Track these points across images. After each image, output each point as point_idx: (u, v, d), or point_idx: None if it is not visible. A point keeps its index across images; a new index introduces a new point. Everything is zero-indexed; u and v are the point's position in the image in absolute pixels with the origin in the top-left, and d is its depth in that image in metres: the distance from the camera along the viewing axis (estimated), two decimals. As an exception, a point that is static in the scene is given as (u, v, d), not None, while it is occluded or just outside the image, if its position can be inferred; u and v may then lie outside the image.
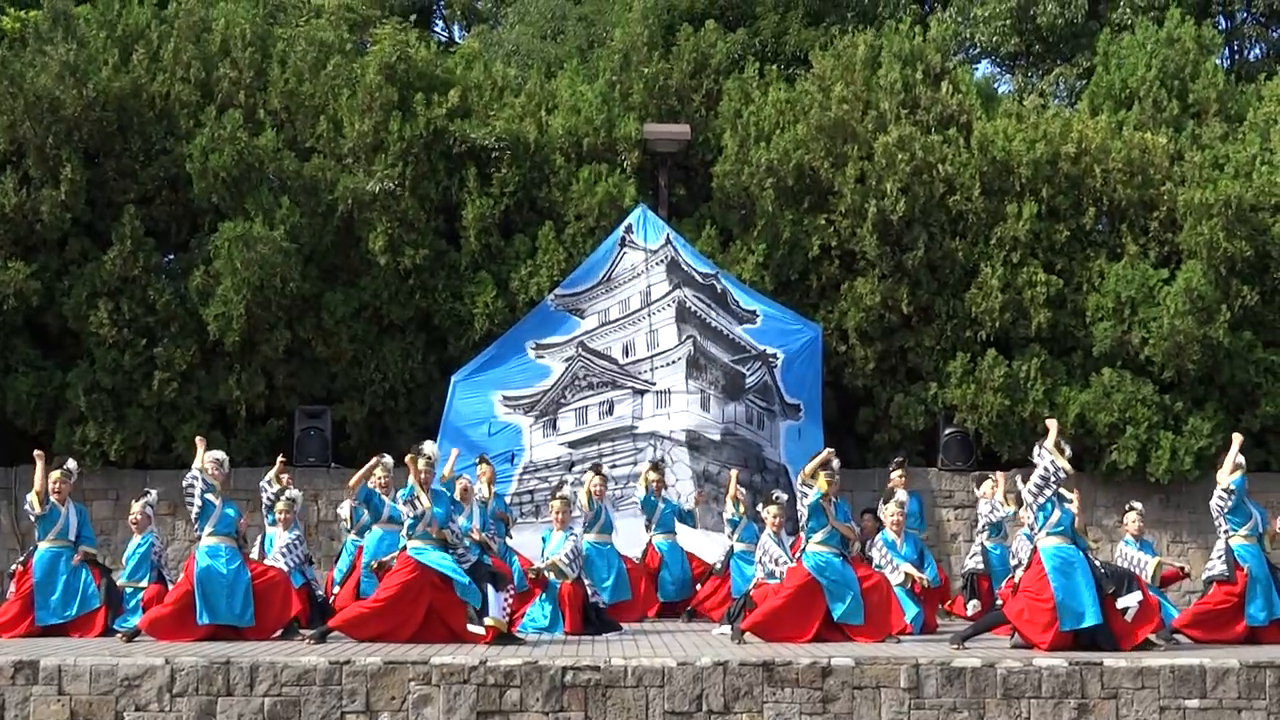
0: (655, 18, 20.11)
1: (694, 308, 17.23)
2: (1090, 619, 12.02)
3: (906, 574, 13.87)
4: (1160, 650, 12.10)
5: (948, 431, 17.83)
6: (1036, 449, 12.68)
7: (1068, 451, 12.59)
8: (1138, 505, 14.77)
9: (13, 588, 13.83)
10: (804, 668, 11.16)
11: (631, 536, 16.25)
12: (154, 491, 14.91)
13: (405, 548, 12.55)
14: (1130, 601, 12.20)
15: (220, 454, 13.53)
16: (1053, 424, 12.77)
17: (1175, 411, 17.60)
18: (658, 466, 16.20)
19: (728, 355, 17.32)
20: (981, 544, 15.29)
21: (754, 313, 17.43)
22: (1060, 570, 12.19)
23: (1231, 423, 17.74)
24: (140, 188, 17.91)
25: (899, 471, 15.85)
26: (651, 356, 17.12)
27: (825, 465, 13.11)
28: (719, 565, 15.43)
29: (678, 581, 15.85)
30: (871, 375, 18.21)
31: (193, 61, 18.35)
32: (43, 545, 13.72)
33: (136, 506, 14.42)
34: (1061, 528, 12.34)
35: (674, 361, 17.09)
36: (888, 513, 14.48)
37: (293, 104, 18.43)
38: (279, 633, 12.81)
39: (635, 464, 16.78)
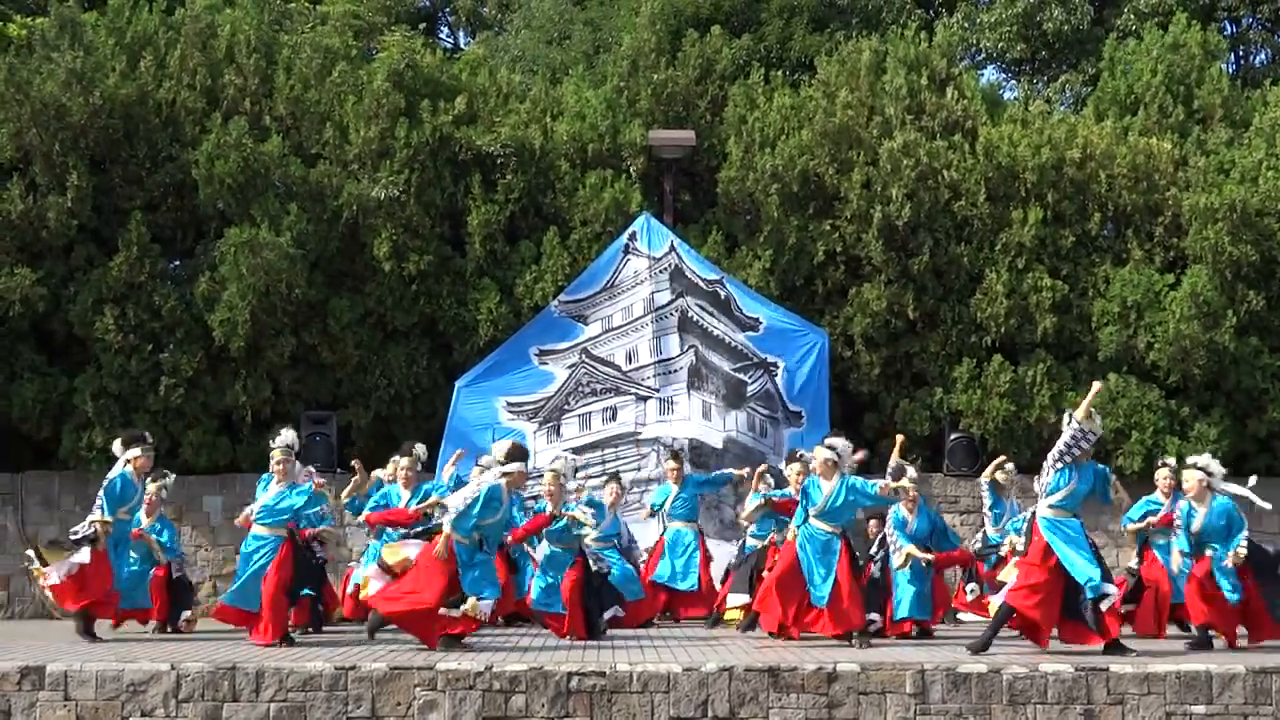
0: (662, 24, 20.14)
1: (696, 317, 17.23)
2: (1101, 583, 11.99)
3: (908, 555, 13.81)
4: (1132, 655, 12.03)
5: (953, 437, 17.81)
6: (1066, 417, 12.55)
7: (1097, 418, 12.44)
8: (1171, 461, 14.86)
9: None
10: (809, 673, 11.15)
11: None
12: (172, 476, 15.00)
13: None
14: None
15: (289, 436, 13.71)
16: (1097, 385, 12.66)
17: (1181, 417, 17.58)
18: (677, 455, 16.24)
19: (729, 364, 17.31)
20: (984, 533, 15.32)
21: (757, 320, 17.42)
22: (1061, 538, 12.13)
23: (1238, 428, 17.75)
24: (146, 194, 17.95)
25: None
26: (655, 363, 17.11)
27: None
28: (736, 560, 15.38)
29: (684, 567, 15.80)
30: (877, 381, 18.22)
31: (199, 68, 18.39)
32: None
33: (152, 488, 14.50)
34: (1066, 503, 12.26)
35: (676, 370, 17.09)
36: (902, 487, 14.40)
37: (298, 110, 18.47)
38: (277, 641, 12.77)
39: (639, 470, 16.80)
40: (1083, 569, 12.03)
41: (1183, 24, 19.81)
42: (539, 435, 16.93)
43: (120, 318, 17.33)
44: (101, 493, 13.57)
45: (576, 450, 15.97)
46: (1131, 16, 23.65)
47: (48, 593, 13.63)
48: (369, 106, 18.12)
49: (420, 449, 14.96)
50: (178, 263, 18.27)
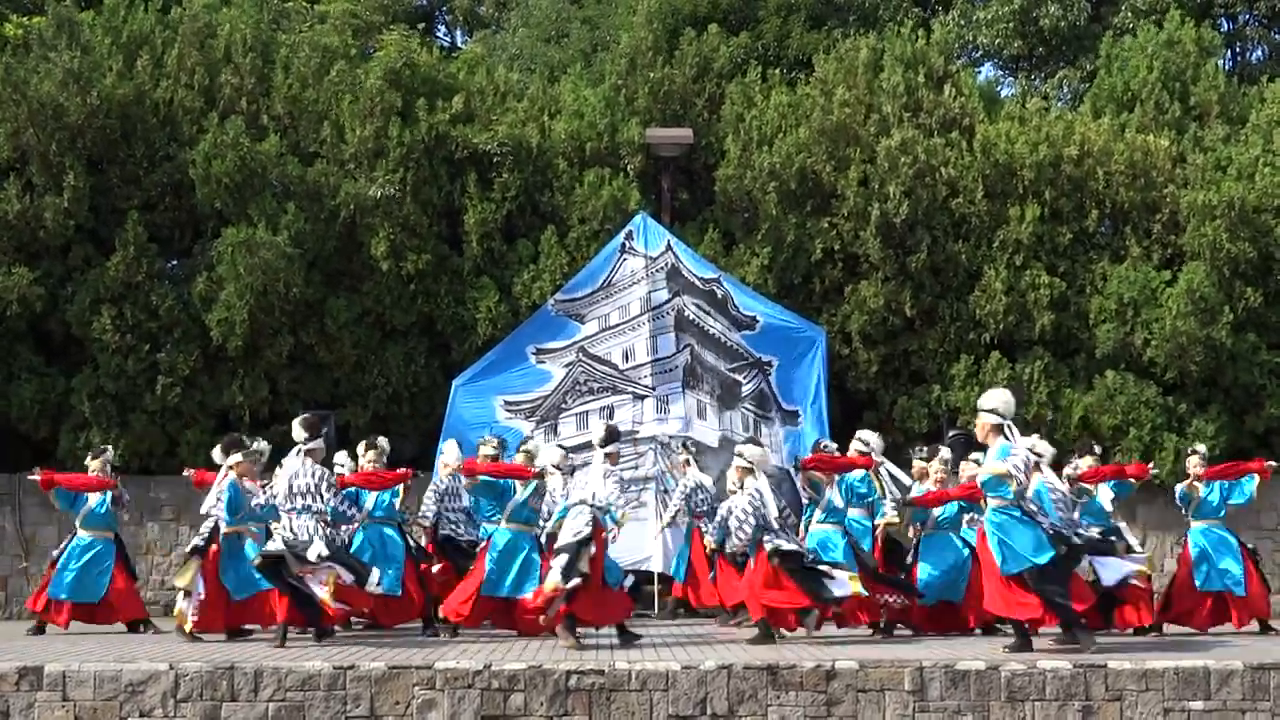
0: (659, 22, 20.13)
1: (693, 316, 17.20)
2: (1041, 557, 11.86)
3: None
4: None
5: (951, 434, 17.73)
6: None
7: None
8: (1201, 449, 15.00)
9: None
10: (808, 671, 11.15)
11: (635, 541, 16.25)
12: (110, 450, 15.14)
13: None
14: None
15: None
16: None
17: (1179, 413, 17.58)
18: (686, 446, 16.30)
19: (725, 364, 17.29)
20: None
21: (754, 318, 17.39)
22: (998, 529, 12.13)
23: (1236, 425, 17.75)
24: (143, 194, 17.95)
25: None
26: (651, 362, 17.08)
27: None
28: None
29: (678, 556, 16.02)
30: (875, 378, 18.21)
31: (196, 68, 18.39)
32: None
33: (95, 464, 14.66)
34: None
35: (672, 369, 17.08)
36: (931, 468, 14.40)
37: (296, 110, 18.46)
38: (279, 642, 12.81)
39: (636, 468, 16.77)
40: (1042, 555, 12.01)
41: (1177, 21, 19.81)
42: (537, 434, 16.90)
43: (118, 317, 17.33)
44: (222, 502, 13.61)
45: (573, 449, 15.93)
46: (1129, 14, 23.63)
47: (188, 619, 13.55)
48: (364, 105, 18.11)
49: (383, 442, 14.92)
50: (175, 262, 18.28)
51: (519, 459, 13.96)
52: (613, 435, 13.50)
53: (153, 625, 14.62)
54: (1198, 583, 14.40)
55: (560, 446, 14.79)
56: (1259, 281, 17.84)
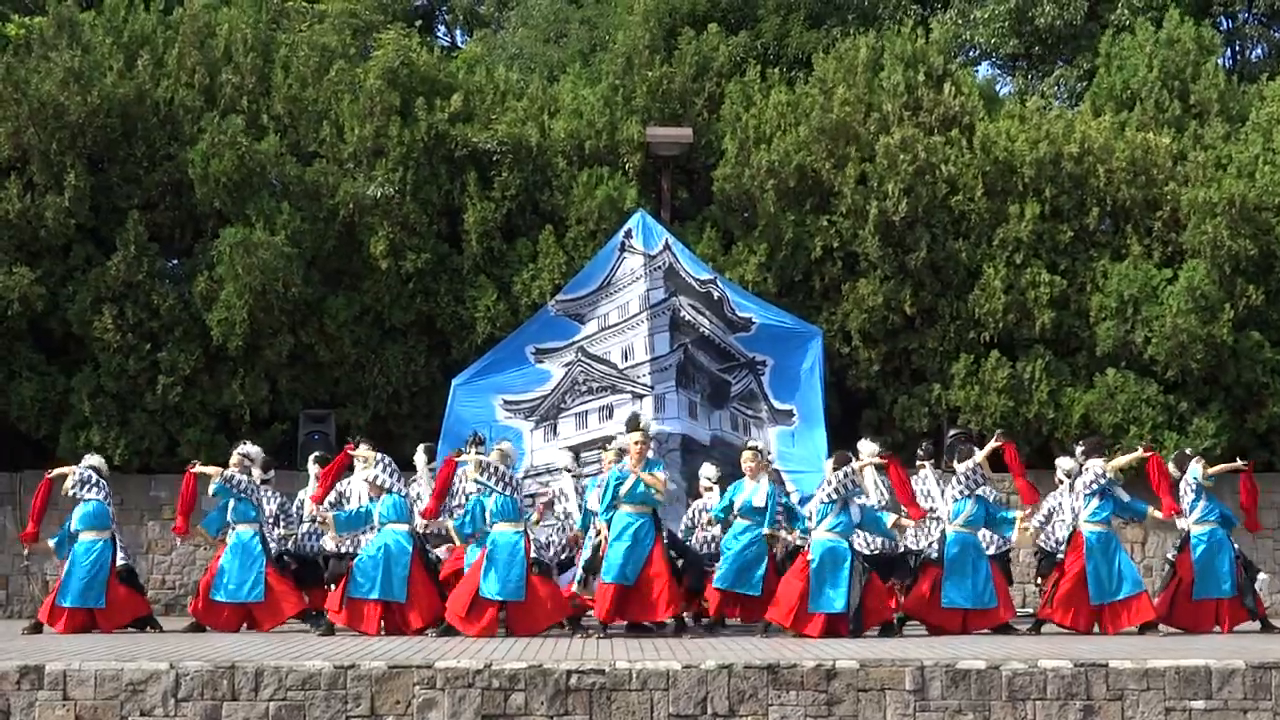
0: (657, 21, 20.13)
1: (688, 316, 17.14)
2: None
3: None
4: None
5: (951, 433, 17.78)
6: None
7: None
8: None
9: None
10: (809, 670, 11.13)
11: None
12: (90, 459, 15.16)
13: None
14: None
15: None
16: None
17: (1180, 412, 17.58)
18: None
19: (716, 364, 17.24)
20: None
21: (749, 319, 17.30)
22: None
23: (1237, 423, 17.74)
24: (144, 193, 17.96)
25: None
26: (650, 361, 17.04)
27: None
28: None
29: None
30: (875, 377, 18.21)
31: (196, 67, 18.41)
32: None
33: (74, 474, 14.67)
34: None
35: (667, 368, 17.03)
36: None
37: (295, 109, 18.47)
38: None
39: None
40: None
41: (1176, 19, 19.81)
42: (535, 433, 16.88)
43: (118, 317, 17.34)
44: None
45: (573, 448, 15.93)
46: (1126, 11, 23.61)
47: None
48: (363, 105, 18.12)
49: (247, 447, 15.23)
50: (175, 262, 18.30)
51: (494, 456, 13.95)
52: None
53: (156, 624, 14.59)
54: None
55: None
56: (1260, 279, 17.84)
